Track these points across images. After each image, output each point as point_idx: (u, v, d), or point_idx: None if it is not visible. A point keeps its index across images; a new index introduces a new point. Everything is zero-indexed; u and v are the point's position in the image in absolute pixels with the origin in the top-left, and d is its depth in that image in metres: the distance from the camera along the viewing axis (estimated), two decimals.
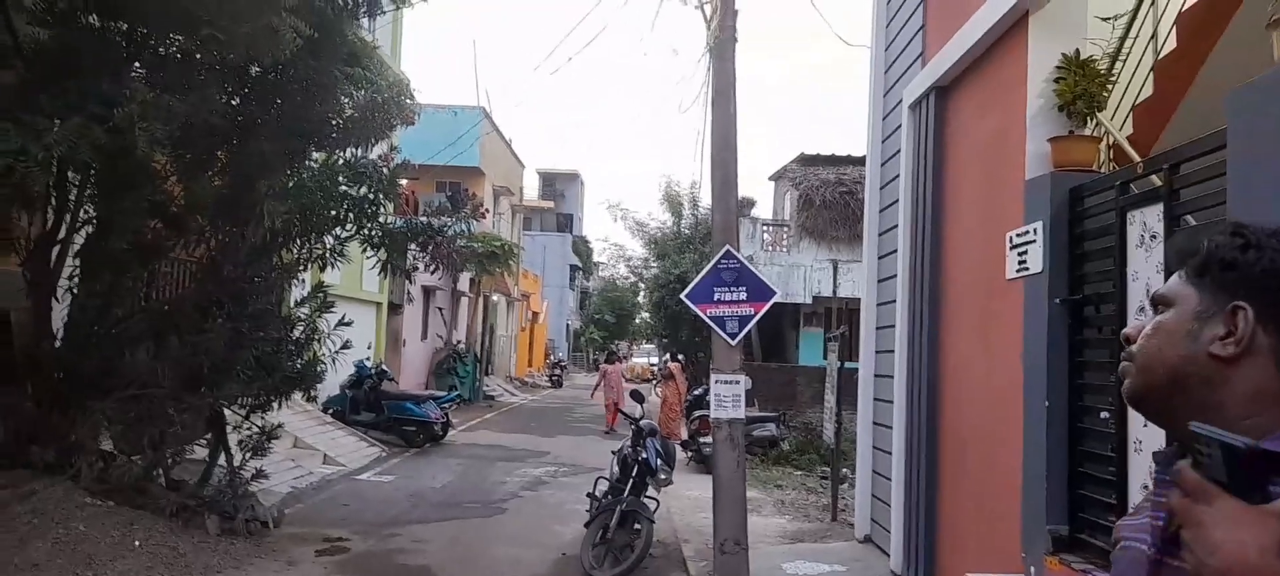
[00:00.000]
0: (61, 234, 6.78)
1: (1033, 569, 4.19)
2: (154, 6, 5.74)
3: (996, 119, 5.18)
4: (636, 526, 7.17)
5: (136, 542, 6.46)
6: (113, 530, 6.42)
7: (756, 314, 6.30)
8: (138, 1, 5.69)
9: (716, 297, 6.27)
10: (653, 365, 33.85)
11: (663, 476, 7.66)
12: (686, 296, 6.45)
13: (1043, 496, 4.16)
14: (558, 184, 52.49)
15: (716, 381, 6.27)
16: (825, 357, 12.20)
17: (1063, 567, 3.95)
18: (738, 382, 6.24)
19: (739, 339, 6.25)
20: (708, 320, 6.31)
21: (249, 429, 7.92)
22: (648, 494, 7.49)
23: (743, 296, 6.25)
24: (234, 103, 7.14)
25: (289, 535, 7.88)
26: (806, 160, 20.63)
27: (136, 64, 6.23)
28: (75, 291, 7.04)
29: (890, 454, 6.76)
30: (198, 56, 6.30)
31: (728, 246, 6.37)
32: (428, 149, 25.27)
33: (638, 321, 46.16)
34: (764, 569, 6.89)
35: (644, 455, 7.53)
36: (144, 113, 5.48)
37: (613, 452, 8.28)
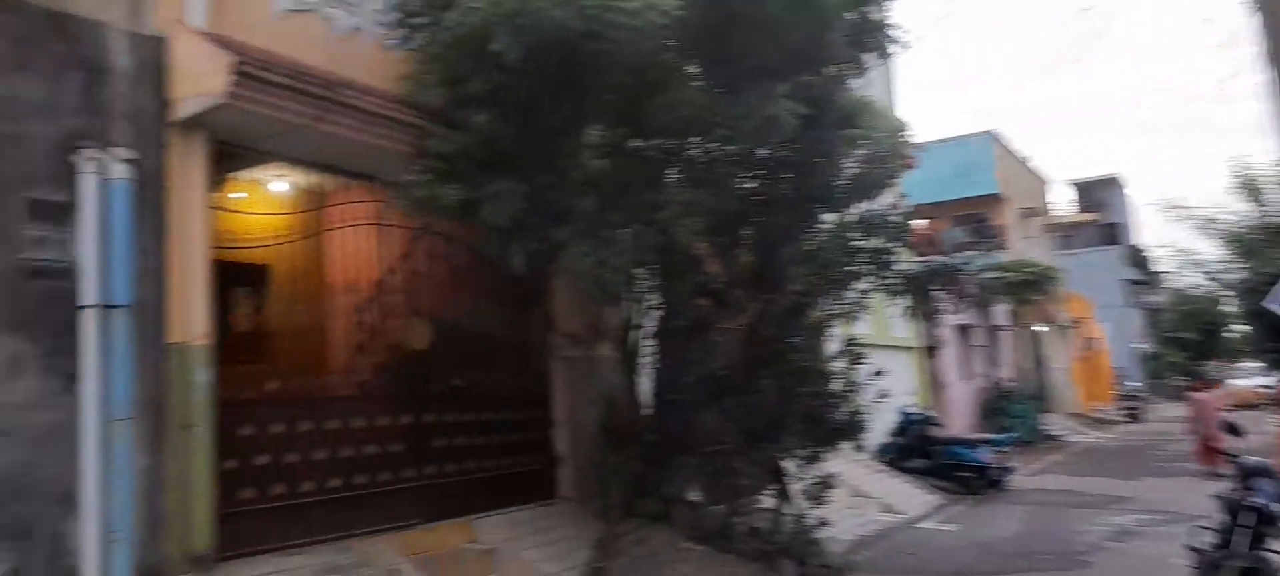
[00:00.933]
0: (635, 321, 8.13)
1: None
2: (676, 123, 6.70)
3: None
4: None
5: None
6: (709, 571, 7.34)
7: None
8: (666, 122, 6.68)
9: None
10: (1261, 387, 27.61)
11: None
12: (1271, 298, 5.17)
13: None
14: (1095, 193, 46.59)
15: None
16: None
17: None
18: None
19: None
20: None
21: (807, 479, 8.46)
22: (1268, 546, 6.05)
23: None
24: (750, 186, 7.91)
25: None
26: None
27: (671, 172, 7.28)
28: (655, 366, 8.39)
29: None
30: (715, 155, 7.15)
31: None
32: (940, 186, 24.75)
33: (1229, 335, 38.24)
34: None
35: (1256, 499, 6.12)
36: (682, 211, 6.40)
37: (1215, 495, 6.89)
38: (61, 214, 5.21)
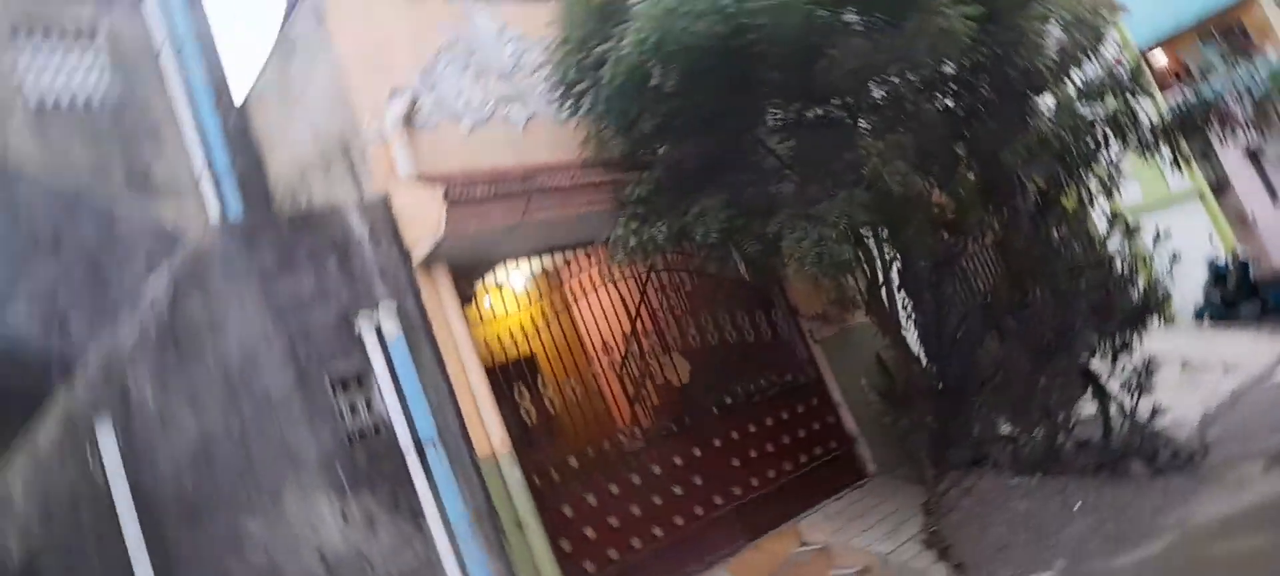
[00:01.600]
0: (881, 279, 7.87)
1: None
2: (846, 78, 6.52)
3: None
4: None
5: (1078, 504, 6.73)
6: (1048, 499, 6.84)
7: None
8: (837, 80, 6.52)
9: None
10: None
11: None
12: None
13: None
14: None
15: None
16: None
17: None
18: None
19: None
20: None
21: (1123, 372, 7.70)
22: None
23: None
24: (946, 104, 7.47)
25: (1223, 458, 7.23)
26: None
27: (861, 124, 7.05)
28: (914, 317, 8.05)
29: None
30: (899, 90, 6.85)
31: None
32: (1176, 6, 21.64)
33: None
34: None
35: None
36: (883, 159, 6.17)
37: None
38: (359, 380, 5.97)
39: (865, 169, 6.36)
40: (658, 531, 6.82)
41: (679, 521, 6.95)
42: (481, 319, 7.07)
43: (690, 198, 6.90)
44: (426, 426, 6.01)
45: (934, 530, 6.78)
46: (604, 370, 7.83)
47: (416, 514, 5.78)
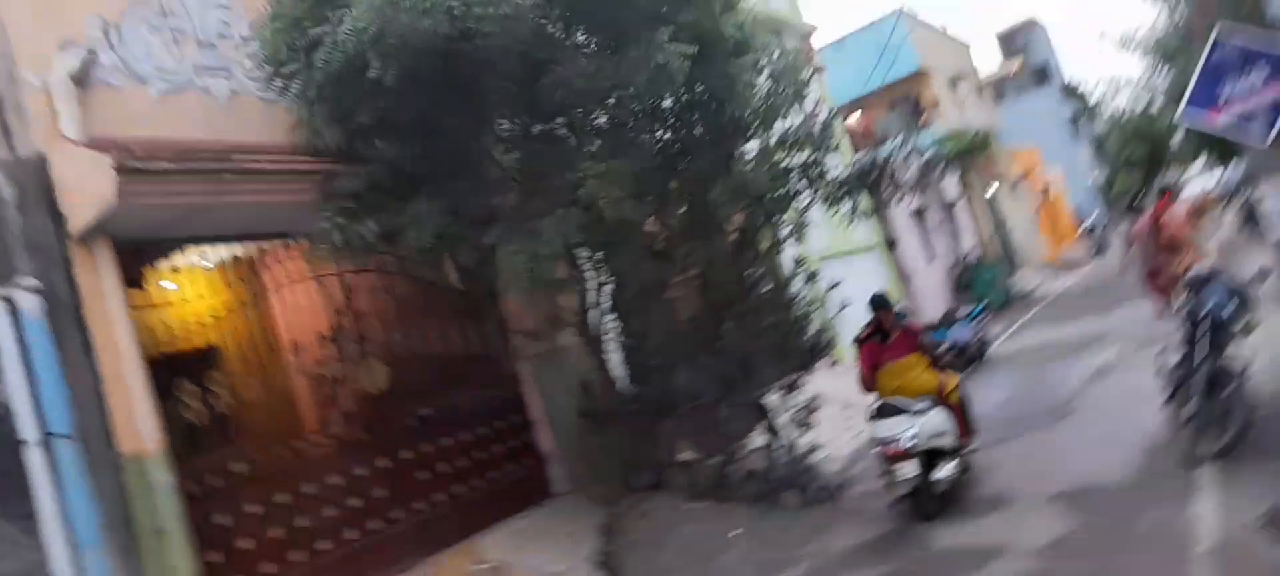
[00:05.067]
0: (593, 300, 8.11)
1: None
2: (571, 97, 6.63)
3: None
4: (1226, 390, 5.96)
5: (735, 532, 7.33)
6: (713, 525, 7.38)
7: None
8: (563, 99, 6.61)
9: (1223, 97, 4.97)
10: (1207, 191, 28.12)
11: (1240, 323, 6.27)
12: (1183, 112, 5.25)
13: None
14: (1017, 39, 46.95)
15: (1269, 195, 4.97)
16: None
17: None
18: None
19: (1275, 134, 4.87)
20: (1223, 129, 5.04)
21: (791, 408, 8.52)
22: (1231, 349, 6.19)
23: (1261, 79, 4.87)
24: (664, 137, 7.85)
25: (861, 493, 8.18)
26: None
27: (585, 146, 7.22)
28: (620, 340, 8.39)
29: None
30: (621, 118, 7.11)
31: (1218, 26, 5.03)
32: (866, 77, 24.68)
33: (1177, 144, 38.85)
34: None
35: (1207, 306, 6.24)
36: (600, 183, 6.35)
37: (1176, 310, 7.01)
38: None
39: (583, 190, 6.51)
40: (326, 545, 6.47)
41: (351, 535, 6.65)
42: (153, 304, 6.31)
43: (406, 199, 6.66)
44: (58, 418, 5.25)
45: (608, 552, 7.07)
46: (295, 372, 7.32)
47: (27, 516, 5.03)
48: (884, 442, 6.76)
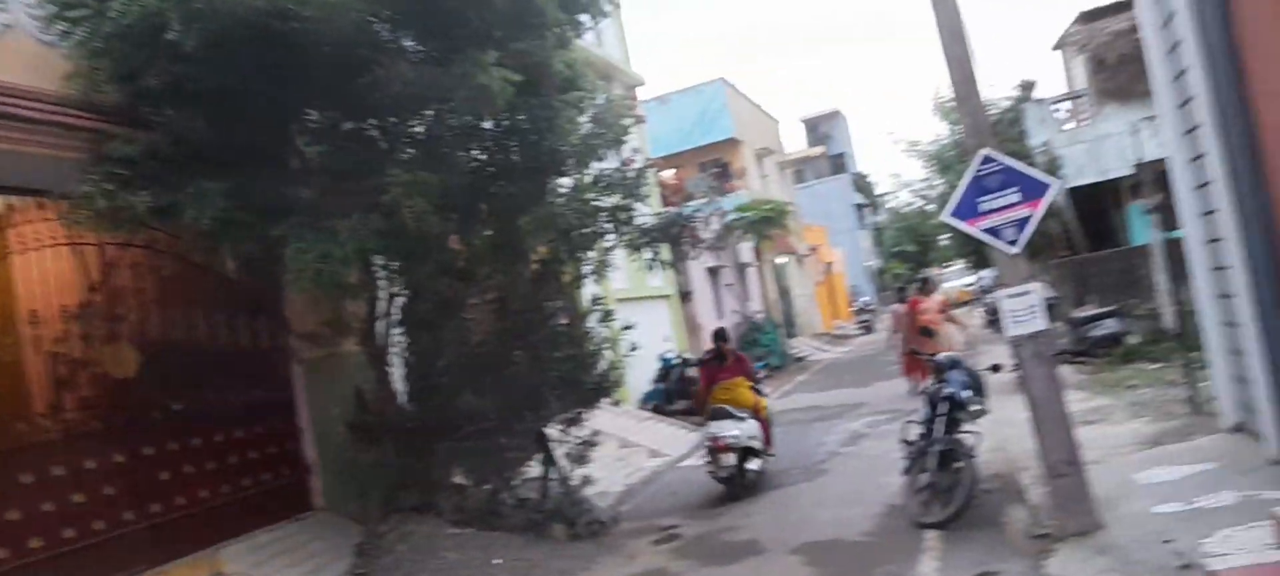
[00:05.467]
0: (382, 310, 7.82)
1: None
2: (389, 101, 6.44)
3: None
4: (957, 465, 6.75)
5: (497, 561, 7.28)
6: (475, 553, 7.27)
7: (1035, 212, 5.61)
8: (380, 101, 6.41)
9: (982, 208, 5.69)
10: (966, 286, 31.64)
11: (975, 407, 7.14)
12: (949, 216, 5.93)
13: None
14: (821, 128, 51.06)
15: (1006, 297, 5.70)
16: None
17: None
18: (1029, 293, 5.62)
19: (1021, 244, 5.63)
20: (980, 235, 5.75)
21: (570, 441, 8.62)
22: (965, 429, 7.03)
23: (1015, 198, 5.62)
24: (479, 158, 7.79)
25: (627, 530, 8.44)
26: (1089, 16, 18.20)
27: (395, 153, 7.01)
28: (405, 355, 8.12)
29: (1241, 327, 5.70)
30: (438, 131, 6.97)
31: (984, 150, 5.75)
32: (683, 135, 25.81)
33: (942, 244, 43.53)
34: (1114, 484, 6.14)
35: (948, 389, 7.06)
36: (406, 193, 6.17)
37: (921, 391, 7.89)
38: None
39: (387, 196, 6.31)
40: (35, 542, 5.73)
41: (69, 534, 5.93)
42: None
43: (189, 175, 6.15)
44: None
45: (361, 573, 6.78)
46: (34, 345, 6.47)
47: None
48: (714, 437, 8.88)
